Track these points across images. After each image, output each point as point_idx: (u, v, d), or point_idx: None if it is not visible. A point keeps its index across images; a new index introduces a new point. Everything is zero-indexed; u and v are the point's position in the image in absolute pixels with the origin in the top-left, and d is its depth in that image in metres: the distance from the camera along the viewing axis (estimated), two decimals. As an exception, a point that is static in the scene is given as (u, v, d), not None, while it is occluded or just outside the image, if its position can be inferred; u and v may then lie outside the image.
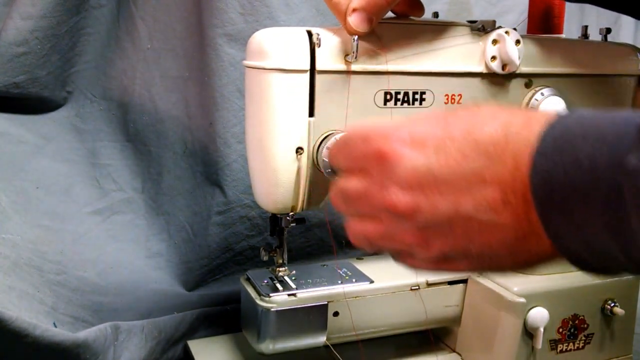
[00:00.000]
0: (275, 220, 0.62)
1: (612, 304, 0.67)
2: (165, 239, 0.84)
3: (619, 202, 0.29)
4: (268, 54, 0.52)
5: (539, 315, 0.63)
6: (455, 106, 0.59)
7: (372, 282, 0.65)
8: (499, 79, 0.60)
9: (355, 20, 0.50)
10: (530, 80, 0.62)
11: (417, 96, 0.57)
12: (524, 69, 0.61)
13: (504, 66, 0.59)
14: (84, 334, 0.60)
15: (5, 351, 0.55)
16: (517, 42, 0.58)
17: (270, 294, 0.61)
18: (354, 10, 0.50)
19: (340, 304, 0.63)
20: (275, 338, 0.61)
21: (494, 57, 0.58)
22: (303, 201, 0.56)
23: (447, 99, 0.59)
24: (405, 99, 0.57)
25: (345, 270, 0.68)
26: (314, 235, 0.86)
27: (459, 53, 0.58)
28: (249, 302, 0.63)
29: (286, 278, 0.64)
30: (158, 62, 0.82)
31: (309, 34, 0.52)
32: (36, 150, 0.78)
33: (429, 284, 0.67)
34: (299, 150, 0.54)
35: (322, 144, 0.54)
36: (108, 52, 0.82)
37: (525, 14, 0.79)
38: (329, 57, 0.53)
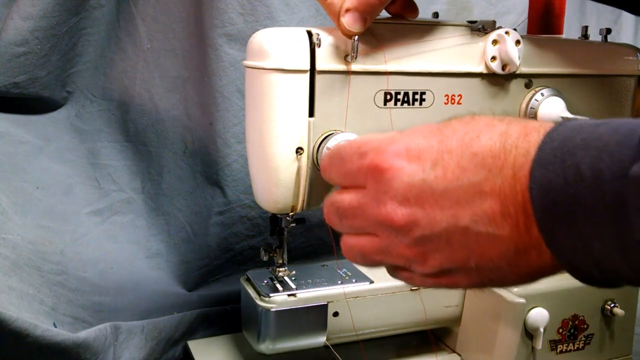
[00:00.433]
0: (275, 220, 0.62)
1: (612, 305, 0.67)
2: (165, 239, 0.84)
3: (623, 214, 0.29)
4: (268, 54, 0.52)
5: (539, 315, 0.63)
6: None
7: (372, 282, 0.65)
8: (499, 79, 0.60)
9: (348, 21, 0.50)
10: (530, 80, 0.62)
11: (417, 96, 0.57)
12: (524, 69, 0.61)
13: (504, 66, 0.59)
14: (84, 334, 0.60)
15: (5, 351, 0.55)
16: (517, 42, 0.58)
17: (270, 294, 0.61)
18: (347, 10, 0.49)
19: (340, 304, 0.63)
20: (275, 338, 0.61)
21: (494, 58, 0.58)
22: (303, 201, 0.56)
23: (447, 99, 0.59)
24: (405, 99, 0.57)
25: (345, 270, 0.68)
26: (314, 235, 0.86)
27: (459, 53, 0.58)
28: (249, 302, 0.63)
29: (286, 278, 0.64)
30: (158, 63, 0.82)
31: (309, 34, 0.52)
32: (36, 150, 0.78)
33: (429, 284, 0.67)
34: (299, 150, 0.54)
35: (322, 144, 0.54)
36: (108, 52, 0.82)
37: (525, 14, 0.79)
38: (329, 57, 0.53)
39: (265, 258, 0.63)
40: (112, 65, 0.82)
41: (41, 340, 0.54)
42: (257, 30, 0.55)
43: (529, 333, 0.64)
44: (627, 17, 1.18)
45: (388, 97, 0.56)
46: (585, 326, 0.67)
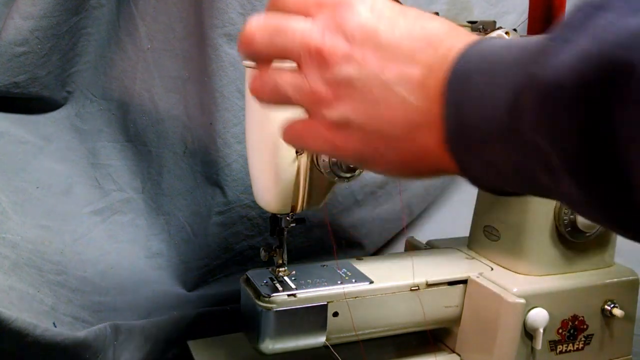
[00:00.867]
0: (275, 220, 0.62)
1: (612, 305, 0.67)
2: (165, 239, 0.84)
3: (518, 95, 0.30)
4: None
5: (539, 316, 0.63)
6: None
7: (371, 282, 0.65)
8: (499, 80, 0.60)
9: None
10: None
11: (417, 97, 0.57)
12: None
13: (504, 67, 0.59)
14: (83, 333, 0.60)
15: (5, 351, 0.55)
16: (517, 42, 0.58)
17: (270, 294, 0.61)
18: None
19: (340, 304, 0.63)
20: (274, 338, 0.61)
21: (494, 58, 0.58)
22: (303, 201, 0.56)
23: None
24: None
25: (345, 270, 0.68)
26: (314, 235, 0.87)
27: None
28: (249, 302, 0.63)
29: (286, 278, 0.64)
30: (158, 63, 0.82)
31: None
32: (36, 150, 0.78)
33: (428, 285, 0.67)
34: (298, 150, 0.54)
35: (322, 145, 0.53)
36: (108, 52, 0.82)
37: (526, 15, 0.79)
38: (329, 57, 0.53)
39: (265, 258, 0.63)
40: (112, 65, 0.82)
41: (41, 340, 0.54)
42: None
43: (528, 333, 0.64)
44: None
45: (388, 97, 0.56)
46: (585, 327, 0.67)
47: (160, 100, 0.82)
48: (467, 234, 0.78)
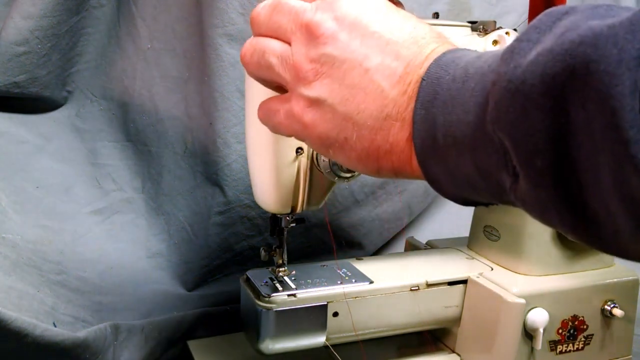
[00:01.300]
0: (275, 220, 0.62)
1: (612, 305, 0.67)
2: (165, 239, 0.84)
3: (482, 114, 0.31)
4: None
5: (539, 316, 0.63)
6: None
7: (371, 282, 0.65)
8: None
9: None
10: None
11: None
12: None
13: (504, 67, 0.59)
14: (83, 333, 0.60)
15: (5, 351, 0.55)
16: (518, 42, 0.58)
17: (270, 294, 0.61)
18: None
19: (339, 304, 0.63)
20: (274, 338, 0.61)
21: (494, 58, 0.58)
22: (303, 201, 0.56)
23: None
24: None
25: (345, 270, 0.68)
26: (313, 236, 0.87)
27: (459, 54, 0.58)
28: (249, 302, 0.63)
29: (286, 278, 0.64)
30: (158, 62, 0.82)
31: None
32: (36, 150, 0.78)
33: (428, 285, 0.67)
34: (298, 150, 0.54)
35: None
36: (108, 52, 0.82)
37: (526, 15, 0.79)
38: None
39: (265, 258, 0.63)
40: (112, 64, 0.82)
41: (41, 339, 0.54)
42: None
43: (528, 333, 0.64)
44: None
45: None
46: (585, 327, 0.67)
47: (160, 100, 0.82)
48: (467, 234, 0.78)
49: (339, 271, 0.68)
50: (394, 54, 0.36)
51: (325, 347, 0.64)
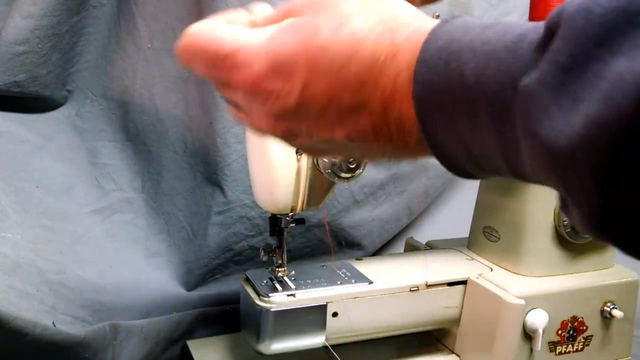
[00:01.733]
0: (274, 220, 0.62)
1: (612, 306, 0.67)
2: (165, 238, 0.84)
3: (509, 127, 0.27)
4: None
5: (538, 317, 0.63)
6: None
7: (371, 283, 0.65)
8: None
9: None
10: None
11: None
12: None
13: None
14: (83, 333, 0.60)
15: (4, 350, 0.55)
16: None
17: (270, 294, 0.61)
18: None
19: (339, 304, 0.63)
20: (274, 338, 0.61)
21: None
22: (303, 201, 0.56)
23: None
24: (406, 100, 0.57)
25: (345, 270, 0.68)
26: (313, 236, 0.86)
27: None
28: (249, 302, 0.63)
29: (285, 278, 0.64)
30: (158, 62, 0.81)
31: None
32: (36, 149, 0.78)
33: (428, 285, 0.67)
34: (298, 151, 0.54)
35: (322, 145, 0.54)
36: (108, 51, 0.82)
37: (526, 16, 0.79)
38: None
39: (264, 258, 0.63)
40: (112, 64, 0.82)
41: (40, 339, 0.54)
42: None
43: (528, 334, 0.64)
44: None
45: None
46: (585, 328, 0.67)
47: (160, 100, 0.82)
48: (467, 235, 0.78)
49: (338, 271, 0.68)
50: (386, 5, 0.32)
51: (324, 347, 0.64)
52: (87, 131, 0.82)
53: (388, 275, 0.67)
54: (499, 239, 0.72)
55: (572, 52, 0.24)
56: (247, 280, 0.65)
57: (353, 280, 0.65)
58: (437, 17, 0.65)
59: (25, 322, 0.53)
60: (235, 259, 0.83)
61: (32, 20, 0.72)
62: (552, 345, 0.66)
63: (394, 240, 0.99)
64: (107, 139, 0.83)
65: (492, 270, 0.70)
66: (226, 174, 0.80)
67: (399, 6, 0.34)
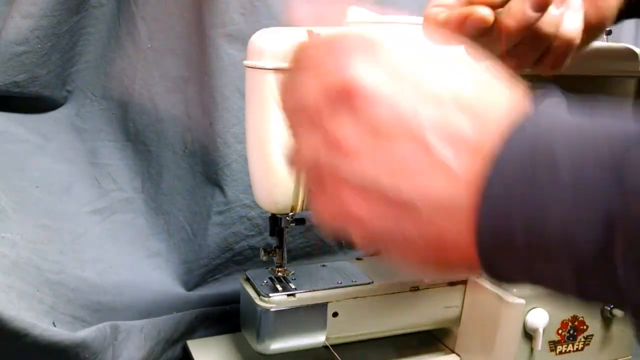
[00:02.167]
0: (275, 220, 0.62)
1: (612, 306, 0.67)
2: (164, 238, 0.84)
3: (602, 264, 0.23)
4: (268, 53, 0.52)
5: (539, 316, 0.63)
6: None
7: (371, 282, 0.65)
8: (499, 80, 0.60)
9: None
10: (530, 81, 0.62)
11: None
12: (525, 70, 0.60)
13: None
14: (83, 333, 0.60)
15: (4, 351, 0.54)
16: (518, 43, 0.58)
17: (270, 294, 0.61)
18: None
19: (339, 304, 0.63)
20: (274, 338, 0.61)
21: (494, 58, 0.58)
22: (303, 201, 0.56)
23: (448, 99, 0.59)
24: (406, 99, 0.57)
25: (345, 270, 0.68)
26: (313, 236, 0.86)
27: (459, 54, 0.58)
28: (249, 302, 0.63)
29: (285, 278, 0.64)
30: (158, 62, 0.81)
31: (309, 33, 0.52)
32: (36, 149, 0.78)
33: (428, 285, 0.67)
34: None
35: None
36: (108, 51, 0.82)
37: (526, 15, 0.79)
38: (330, 57, 0.53)
39: (264, 258, 0.63)
40: (112, 64, 0.82)
41: (40, 339, 0.54)
42: (258, 30, 0.55)
43: (528, 334, 0.64)
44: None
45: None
46: (585, 327, 0.67)
47: (160, 100, 0.82)
48: (467, 235, 0.78)
49: (338, 271, 0.68)
50: (455, 105, 0.27)
51: (324, 347, 0.64)
52: (87, 131, 0.82)
53: (388, 275, 0.67)
54: (499, 238, 0.72)
55: None
56: (247, 280, 0.65)
57: (353, 280, 0.65)
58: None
59: (25, 323, 0.53)
60: (235, 259, 0.83)
61: (31, 20, 0.72)
62: (553, 345, 0.66)
63: (394, 240, 0.99)
64: (107, 139, 0.83)
65: (492, 269, 0.70)
66: (226, 173, 0.80)
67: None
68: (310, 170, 0.31)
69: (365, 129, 0.28)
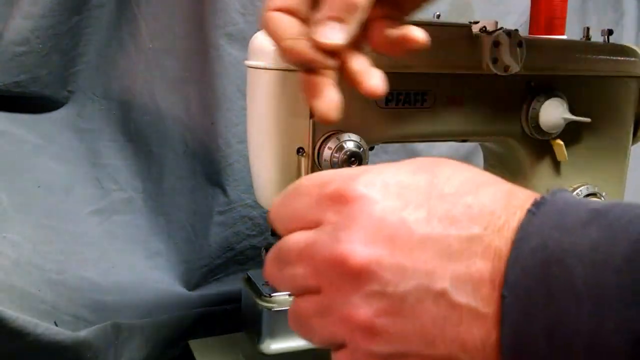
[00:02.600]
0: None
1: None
2: (165, 239, 0.84)
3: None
4: (269, 53, 0.52)
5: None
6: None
7: (372, 282, 0.65)
8: (500, 81, 0.60)
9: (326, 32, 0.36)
10: (531, 81, 0.62)
11: (418, 97, 0.57)
12: (526, 71, 0.61)
13: (505, 67, 0.59)
14: (84, 333, 0.60)
15: (6, 350, 0.55)
16: (519, 43, 0.58)
17: (271, 294, 0.61)
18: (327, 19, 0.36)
19: (340, 304, 0.63)
20: (275, 338, 0.61)
21: (495, 59, 0.58)
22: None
23: (448, 100, 0.59)
24: (406, 99, 0.57)
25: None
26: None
27: (460, 54, 0.58)
28: (250, 302, 0.63)
29: (287, 278, 0.64)
30: (159, 62, 0.81)
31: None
32: (37, 149, 0.78)
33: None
34: (300, 150, 0.54)
35: (323, 145, 0.54)
36: (109, 51, 0.82)
37: (527, 15, 0.79)
38: (331, 57, 0.53)
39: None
40: (113, 64, 0.82)
41: (42, 339, 0.54)
42: (259, 30, 0.55)
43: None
44: (629, 19, 1.18)
45: (389, 97, 0.56)
46: (586, 327, 0.67)
47: (161, 100, 0.82)
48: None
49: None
50: (465, 254, 0.26)
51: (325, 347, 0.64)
52: (88, 131, 0.82)
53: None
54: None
55: None
56: (249, 280, 0.65)
57: (354, 280, 0.65)
58: (438, 17, 0.65)
59: (27, 322, 0.53)
60: (236, 259, 0.83)
61: (32, 20, 0.72)
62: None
63: (394, 240, 0.99)
64: (108, 140, 0.83)
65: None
66: (227, 173, 0.80)
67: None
68: (337, 353, 0.30)
69: (385, 305, 0.27)
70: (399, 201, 0.28)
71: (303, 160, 0.54)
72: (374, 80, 0.39)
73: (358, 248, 0.27)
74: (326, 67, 0.37)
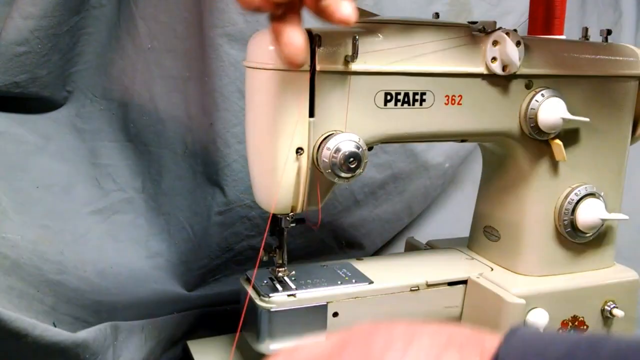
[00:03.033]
0: (275, 220, 0.61)
1: (612, 306, 0.67)
2: (165, 239, 0.84)
3: None
4: (268, 54, 0.52)
5: (539, 316, 0.63)
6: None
7: (371, 282, 0.65)
8: (499, 80, 0.60)
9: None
10: (530, 81, 0.62)
11: (418, 97, 0.57)
12: (525, 70, 0.61)
13: (504, 67, 0.59)
14: (83, 333, 0.60)
15: (5, 351, 0.55)
16: (518, 43, 0.58)
17: (270, 294, 0.61)
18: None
19: (339, 304, 0.63)
20: (274, 338, 0.61)
21: (494, 58, 0.58)
22: (303, 201, 0.56)
23: (448, 99, 0.59)
24: (406, 99, 0.57)
25: (345, 270, 0.68)
26: (314, 236, 0.87)
27: (459, 54, 0.58)
28: (249, 302, 0.63)
29: (286, 278, 0.64)
30: (158, 62, 0.82)
31: (310, 33, 0.52)
32: (36, 149, 0.78)
33: (428, 285, 0.67)
34: (299, 150, 0.54)
35: (322, 145, 0.54)
36: (108, 52, 0.82)
37: (526, 15, 0.79)
38: (330, 57, 0.53)
39: (265, 258, 0.63)
40: (112, 64, 0.82)
41: (40, 339, 0.54)
42: (258, 30, 0.55)
43: (528, 334, 0.64)
44: (628, 19, 1.18)
45: (388, 97, 0.56)
46: (585, 327, 0.67)
47: (160, 100, 0.82)
48: (467, 235, 0.78)
49: (338, 271, 0.68)
50: None
51: (325, 347, 0.64)
52: (87, 131, 0.82)
53: (388, 275, 0.67)
54: (499, 238, 0.72)
55: None
56: (248, 280, 0.65)
57: (353, 280, 0.65)
58: (437, 16, 0.65)
59: (26, 323, 0.53)
60: (235, 259, 0.83)
61: (32, 20, 0.72)
62: (553, 345, 0.66)
63: (394, 240, 0.99)
64: (107, 140, 0.83)
65: (492, 269, 0.70)
66: (226, 174, 0.80)
67: None
68: None
69: None
70: None
71: (302, 160, 0.54)
72: (345, 10, 0.41)
73: None
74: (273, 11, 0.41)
